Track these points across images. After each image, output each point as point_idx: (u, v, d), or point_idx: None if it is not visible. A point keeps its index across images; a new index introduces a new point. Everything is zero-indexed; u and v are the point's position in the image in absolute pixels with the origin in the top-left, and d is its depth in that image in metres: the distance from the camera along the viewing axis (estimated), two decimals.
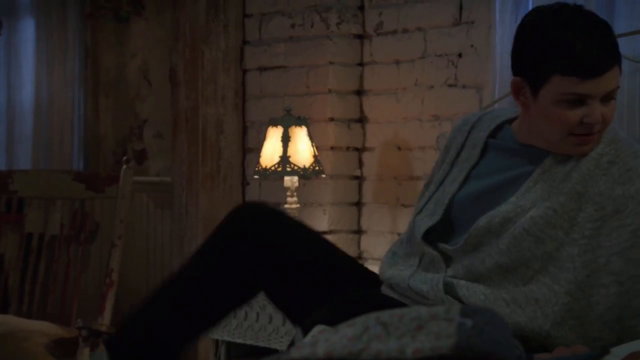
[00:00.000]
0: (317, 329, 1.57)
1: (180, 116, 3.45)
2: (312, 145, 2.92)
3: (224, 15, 3.40)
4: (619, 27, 2.37)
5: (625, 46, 2.31)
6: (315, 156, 2.92)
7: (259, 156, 3.00)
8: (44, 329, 2.78)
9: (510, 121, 1.83)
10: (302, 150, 2.89)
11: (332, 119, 3.13)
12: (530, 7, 2.54)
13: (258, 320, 2.76)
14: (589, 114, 1.67)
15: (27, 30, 4.10)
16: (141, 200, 3.90)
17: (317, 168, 2.92)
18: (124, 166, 3.42)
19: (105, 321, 3.08)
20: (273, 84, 3.30)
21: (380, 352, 1.11)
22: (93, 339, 3.04)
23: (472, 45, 2.82)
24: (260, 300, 2.77)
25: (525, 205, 1.72)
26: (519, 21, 2.53)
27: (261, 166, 2.92)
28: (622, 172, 1.72)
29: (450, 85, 2.90)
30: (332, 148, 3.12)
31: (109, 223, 3.65)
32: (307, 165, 2.89)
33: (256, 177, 3.03)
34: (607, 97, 1.69)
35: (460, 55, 2.86)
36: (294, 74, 3.23)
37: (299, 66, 3.22)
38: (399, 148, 3.04)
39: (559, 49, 1.67)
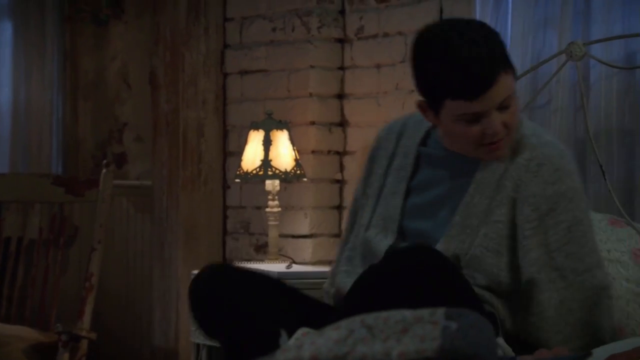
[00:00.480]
0: (301, 331, 1.57)
1: (161, 119, 3.44)
2: (294, 149, 2.93)
3: (204, 19, 3.40)
4: (595, 33, 2.40)
5: (601, 51, 2.35)
6: (296, 160, 2.93)
7: (240, 160, 3.00)
8: (22, 334, 2.77)
9: (434, 125, 1.89)
10: (284, 153, 2.89)
11: (313, 123, 3.14)
12: (509, 12, 2.57)
13: None
14: (488, 127, 1.75)
15: (5, 33, 4.07)
16: (120, 204, 3.89)
17: (298, 172, 2.92)
18: (104, 170, 3.41)
19: (85, 325, 3.07)
20: (254, 88, 3.30)
21: (366, 355, 1.12)
22: (73, 343, 3.03)
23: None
24: None
25: (472, 223, 1.80)
26: (499, 21, 2.59)
27: (242, 170, 2.92)
28: (551, 173, 1.81)
29: None
30: (313, 152, 3.12)
31: (88, 227, 3.64)
32: (288, 169, 2.89)
33: (237, 180, 3.03)
34: (505, 104, 1.75)
35: None
36: (274, 77, 3.24)
37: (279, 70, 3.22)
38: None
39: (441, 77, 1.75)
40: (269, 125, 2.91)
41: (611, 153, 2.36)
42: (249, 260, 3.34)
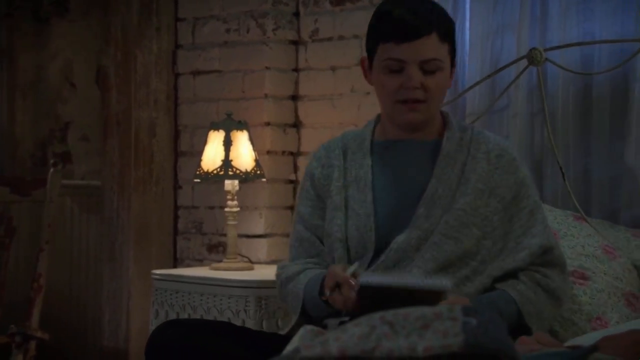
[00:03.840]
0: (305, 329, 1.61)
1: (111, 119, 3.42)
2: (253, 150, 2.96)
3: (156, 19, 3.39)
4: (551, 39, 2.50)
5: (557, 57, 2.46)
6: (256, 160, 2.96)
7: (192, 160, 3.00)
8: None
9: (372, 133, 1.99)
10: (244, 154, 2.92)
11: (268, 124, 3.17)
12: (468, 18, 2.65)
13: None
14: (407, 79, 1.85)
15: None
16: (64, 204, 3.84)
17: (258, 172, 2.95)
18: (52, 169, 3.36)
19: (33, 325, 3.03)
20: (207, 88, 3.31)
21: (392, 350, 1.17)
22: (26, 344, 2.99)
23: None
24: (204, 303, 2.79)
25: (437, 213, 1.87)
26: (457, 27, 2.67)
27: (202, 170, 2.94)
28: (509, 162, 1.93)
29: None
30: (268, 152, 3.16)
31: (32, 227, 3.58)
32: (248, 169, 2.92)
33: (197, 180, 3.04)
34: (429, 68, 1.86)
35: None
36: (229, 78, 3.26)
37: (234, 71, 3.24)
38: None
39: (380, 19, 1.89)
40: (229, 125, 2.93)
41: (568, 154, 2.47)
42: (201, 260, 3.35)
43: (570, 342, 1.72)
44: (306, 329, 1.64)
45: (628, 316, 2.17)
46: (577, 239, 2.25)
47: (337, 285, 1.77)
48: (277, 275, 2.05)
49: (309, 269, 1.98)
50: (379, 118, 2.04)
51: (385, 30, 1.86)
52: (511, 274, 1.91)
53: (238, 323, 2.65)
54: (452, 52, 1.90)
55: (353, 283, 1.74)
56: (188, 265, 3.34)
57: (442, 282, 1.68)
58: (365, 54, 1.96)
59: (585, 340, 1.64)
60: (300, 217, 2.04)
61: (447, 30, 1.88)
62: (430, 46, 1.84)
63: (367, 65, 1.95)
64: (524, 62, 2.47)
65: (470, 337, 1.15)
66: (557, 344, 1.56)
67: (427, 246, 1.86)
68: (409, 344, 1.17)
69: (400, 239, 1.87)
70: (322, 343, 1.21)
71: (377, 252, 1.90)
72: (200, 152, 3.08)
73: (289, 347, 1.61)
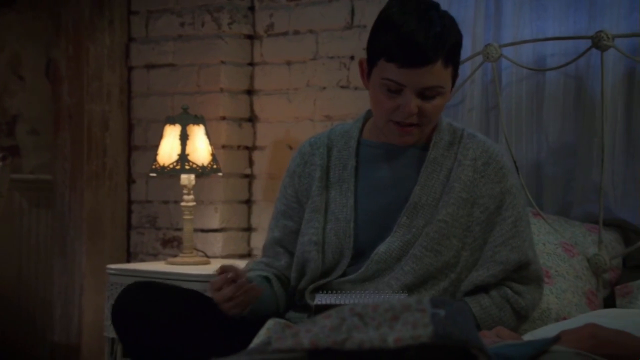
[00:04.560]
0: (272, 321, 1.62)
1: (63, 113, 3.37)
2: (210, 144, 2.95)
3: (109, 12, 3.36)
4: (505, 37, 2.55)
5: (511, 54, 2.50)
6: (212, 154, 2.95)
7: (146, 154, 2.99)
8: None
9: (360, 131, 1.92)
10: (200, 148, 2.91)
11: (223, 118, 3.17)
12: None
13: None
14: (403, 104, 1.78)
15: None
16: (13, 199, 3.77)
17: (214, 166, 2.95)
18: (0, 163, 3.31)
19: None
20: (161, 82, 3.30)
21: (363, 341, 1.18)
22: None
23: (364, 49, 2.93)
24: None
25: (419, 224, 1.83)
26: None
27: (158, 164, 2.92)
28: (496, 171, 1.86)
29: (342, 87, 3.00)
30: (223, 146, 3.15)
31: None
32: (205, 164, 2.91)
33: (153, 175, 3.02)
34: (429, 94, 1.78)
35: (352, 57, 2.97)
36: (184, 72, 3.24)
37: (188, 65, 3.23)
38: (290, 147, 3.12)
39: (387, 34, 1.78)
40: (185, 119, 2.92)
41: (521, 149, 2.52)
42: (155, 254, 3.33)
43: (528, 335, 1.75)
44: (273, 322, 1.64)
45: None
46: (537, 236, 2.27)
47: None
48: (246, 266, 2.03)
49: (256, 269, 1.95)
50: (368, 114, 1.96)
51: (390, 48, 1.76)
52: (482, 286, 1.86)
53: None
54: (455, 72, 1.83)
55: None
56: (142, 260, 3.33)
57: (399, 297, 1.67)
58: (364, 57, 1.88)
59: (542, 333, 1.68)
60: (275, 214, 1.99)
61: (453, 53, 1.79)
62: (433, 74, 1.76)
63: (366, 70, 1.86)
64: (480, 59, 2.51)
65: (439, 327, 1.17)
66: (516, 337, 1.59)
67: (407, 258, 1.82)
68: (379, 335, 1.19)
69: (381, 250, 1.83)
70: (293, 335, 1.22)
71: (353, 258, 1.86)
72: (154, 146, 3.06)
73: (256, 340, 1.62)
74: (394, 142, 1.86)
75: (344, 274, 1.85)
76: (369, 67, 1.83)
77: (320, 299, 1.70)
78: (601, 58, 2.35)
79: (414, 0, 1.80)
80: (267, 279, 1.91)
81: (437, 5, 1.83)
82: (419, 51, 1.74)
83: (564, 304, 2.16)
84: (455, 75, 1.83)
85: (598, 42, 2.34)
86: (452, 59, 1.79)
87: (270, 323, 1.63)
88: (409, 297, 1.23)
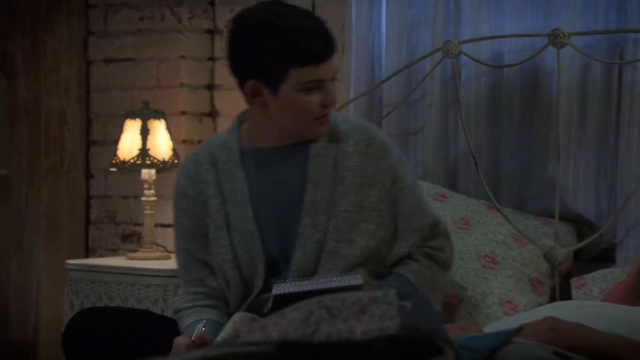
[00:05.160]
0: (238, 315, 1.63)
1: (19, 107, 3.33)
2: (171, 139, 2.95)
3: (66, 5, 3.33)
4: (464, 34, 2.59)
5: (470, 50, 2.54)
6: (173, 149, 2.95)
7: (105, 148, 2.97)
8: None
9: (238, 139, 1.91)
10: (161, 143, 2.91)
11: (184, 113, 3.16)
12: (384, 11, 2.71)
13: None
14: (327, 96, 1.84)
15: None
16: None
17: (175, 161, 2.94)
18: None
19: None
20: (121, 77, 3.28)
21: (332, 333, 1.20)
22: None
23: None
24: (122, 293, 2.77)
25: (322, 220, 1.86)
26: (374, 21, 2.72)
27: (119, 159, 2.91)
28: (379, 148, 1.92)
29: None
30: (184, 141, 3.15)
31: None
32: (166, 158, 2.91)
33: (113, 169, 3.01)
34: (333, 79, 1.87)
35: None
36: (143, 67, 3.23)
37: (148, 59, 3.22)
38: None
39: (288, 46, 1.79)
40: (146, 114, 2.92)
41: (480, 145, 2.56)
42: (114, 250, 3.32)
43: (489, 327, 1.79)
44: (240, 315, 1.66)
45: (534, 300, 2.27)
46: (488, 226, 2.34)
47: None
48: (173, 303, 2.00)
49: (191, 307, 1.90)
50: (240, 120, 1.96)
51: (300, 55, 1.79)
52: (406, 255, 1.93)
53: (157, 312, 2.64)
54: None
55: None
56: (101, 255, 3.31)
57: (353, 278, 1.70)
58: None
59: (502, 325, 1.72)
60: (181, 238, 1.95)
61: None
62: (334, 60, 1.86)
63: (264, 89, 1.83)
64: (439, 55, 2.55)
65: (406, 320, 1.19)
66: (478, 330, 1.63)
67: (324, 256, 1.85)
68: (347, 328, 1.21)
69: (297, 257, 1.85)
70: (262, 328, 1.23)
71: (269, 267, 1.86)
72: (113, 141, 3.05)
73: (222, 334, 1.63)
74: (315, 136, 1.88)
75: (268, 288, 1.84)
76: (271, 85, 1.82)
77: (279, 288, 1.71)
78: (557, 55, 2.40)
79: (274, 5, 1.84)
80: (218, 323, 1.86)
81: (286, 3, 1.88)
82: (325, 42, 1.82)
83: (508, 289, 2.23)
84: None
85: (554, 40, 2.39)
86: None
87: (236, 317, 1.65)
88: (376, 290, 1.25)
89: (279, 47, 1.79)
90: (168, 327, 1.88)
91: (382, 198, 1.89)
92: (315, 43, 1.81)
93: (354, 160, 1.89)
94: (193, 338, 1.72)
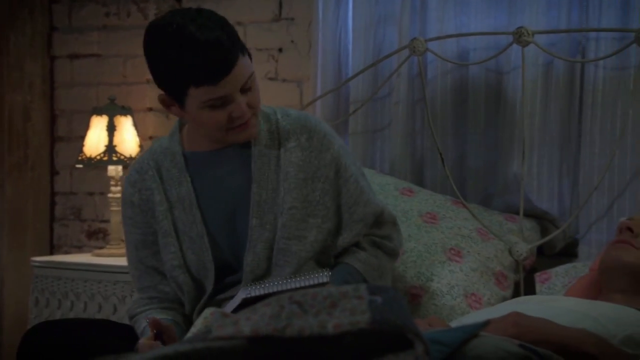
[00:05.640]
0: (209, 310, 1.64)
1: None
2: (138, 135, 2.94)
3: (29, 0, 3.30)
4: (430, 31, 2.61)
5: (435, 48, 2.56)
6: (140, 146, 2.94)
7: (80, 145, 2.95)
8: None
9: (180, 143, 1.89)
10: (128, 139, 2.90)
11: (151, 109, 3.15)
12: (350, 9, 2.72)
13: (85, 310, 2.74)
14: (235, 110, 1.77)
15: None
16: None
17: None
18: None
19: None
20: (86, 73, 3.26)
21: (303, 328, 1.21)
22: None
23: (292, 41, 2.97)
24: (88, 290, 2.76)
25: (269, 219, 1.86)
26: (340, 18, 2.73)
27: (85, 155, 2.89)
28: (321, 140, 1.91)
29: (270, 79, 3.02)
30: (151, 137, 3.14)
31: None
32: (133, 155, 2.90)
33: (79, 166, 2.99)
34: (247, 87, 1.77)
35: (280, 50, 3.00)
36: (109, 63, 3.21)
37: (114, 55, 3.20)
38: None
39: (183, 65, 1.71)
40: (112, 110, 2.90)
41: (446, 141, 2.59)
42: (79, 247, 3.30)
43: (456, 323, 1.81)
44: (210, 311, 1.66)
45: (497, 293, 2.31)
46: (454, 221, 2.37)
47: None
48: (128, 309, 1.99)
49: (146, 310, 1.90)
50: (180, 125, 1.93)
51: (195, 76, 1.71)
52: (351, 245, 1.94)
53: (124, 309, 2.63)
54: (248, 52, 1.79)
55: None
56: (66, 252, 3.28)
57: (320, 276, 1.71)
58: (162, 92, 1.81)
59: (468, 320, 1.74)
60: (132, 246, 1.94)
61: (241, 42, 1.77)
62: (243, 69, 1.74)
63: (173, 104, 1.79)
64: (406, 52, 2.57)
65: (377, 314, 1.20)
66: (446, 325, 1.65)
67: (275, 254, 1.85)
68: (319, 322, 1.22)
69: (249, 258, 1.85)
70: (233, 323, 1.24)
71: (220, 270, 1.86)
72: (79, 137, 3.03)
73: (193, 329, 1.64)
74: (238, 142, 1.85)
75: (224, 288, 1.85)
76: (176, 98, 1.77)
77: (248, 291, 1.72)
78: (522, 53, 2.43)
79: (170, 17, 1.75)
80: (175, 322, 1.86)
81: (190, 10, 1.78)
82: (221, 61, 1.71)
83: (472, 282, 2.27)
84: (249, 55, 1.80)
85: (519, 38, 2.42)
86: (242, 46, 1.76)
87: (207, 312, 1.65)
88: (347, 285, 1.26)
89: (176, 65, 1.72)
90: (130, 335, 1.86)
91: (326, 190, 1.89)
92: (209, 63, 1.70)
93: (297, 155, 1.87)
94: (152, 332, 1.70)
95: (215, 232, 1.87)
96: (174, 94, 1.77)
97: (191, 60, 1.70)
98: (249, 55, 1.80)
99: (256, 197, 1.85)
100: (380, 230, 1.99)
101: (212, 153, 1.88)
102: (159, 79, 1.79)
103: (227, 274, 1.87)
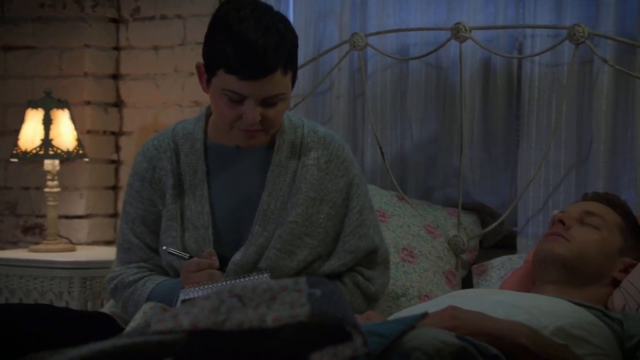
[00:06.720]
0: (147, 305, 1.62)
1: None
2: (75, 129, 2.89)
3: None
4: (371, 27, 2.62)
5: (376, 43, 2.58)
6: (78, 139, 2.89)
7: (15, 139, 2.90)
8: None
9: (203, 131, 1.89)
10: (65, 133, 2.85)
11: (88, 103, 3.11)
12: (291, 3, 2.72)
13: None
14: (246, 113, 1.78)
15: None
16: None
17: (80, 152, 2.89)
18: None
19: None
20: (20, 65, 3.19)
21: (242, 321, 1.21)
22: None
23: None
24: (24, 286, 2.71)
25: (270, 228, 1.86)
26: (284, 13, 2.72)
27: (20, 149, 2.84)
28: (339, 166, 1.92)
29: None
30: (88, 132, 3.09)
31: None
32: (70, 149, 2.85)
33: (15, 160, 2.93)
34: (271, 102, 1.78)
35: None
36: (45, 55, 3.15)
37: (50, 48, 3.14)
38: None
39: (224, 43, 1.74)
40: (48, 104, 2.85)
41: (386, 136, 2.61)
42: (15, 242, 3.23)
43: (394, 317, 1.83)
44: (149, 306, 1.65)
45: (448, 292, 2.32)
46: (402, 219, 2.38)
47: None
48: (109, 280, 1.94)
49: (147, 276, 1.90)
50: (209, 112, 1.93)
51: (229, 60, 1.73)
52: (335, 274, 1.93)
53: (61, 305, 2.60)
54: (294, 75, 1.81)
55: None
56: (1, 248, 3.22)
57: (259, 276, 1.72)
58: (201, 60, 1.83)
59: (407, 313, 1.76)
60: (129, 219, 1.92)
61: (291, 58, 1.78)
62: (276, 84, 1.75)
63: (203, 75, 1.82)
64: (346, 47, 2.58)
65: (316, 306, 1.21)
66: (383, 319, 1.66)
67: (263, 262, 1.85)
68: (258, 315, 1.22)
69: (237, 258, 1.85)
70: (173, 317, 1.23)
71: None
72: (14, 131, 2.97)
73: (132, 324, 1.62)
74: (240, 144, 1.87)
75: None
76: (208, 74, 1.80)
77: (186, 293, 1.71)
78: (460, 49, 2.46)
79: (249, 3, 1.78)
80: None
81: (271, 8, 1.83)
82: (259, 63, 1.72)
83: (426, 282, 2.27)
84: (294, 78, 1.82)
85: (457, 34, 2.45)
86: (291, 64, 1.78)
87: (146, 307, 1.64)
88: (287, 279, 1.27)
89: (220, 44, 1.75)
90: (72, 320, 1.83)
91: (331, 216, 1.89)
92: (246, 59, 1.72)
93: (313, 174, 1.87)
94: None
95: (220, 226, 1.87)
96: (207, 67, 1.79)
97: (233, 49, 1.72)
98: (294, 76, 1.80)
99: (264, 205, 1.86)
100: (368, 271, 1.96)
101: (235, 149, 1.88)
102: (205, 49, 1.81)
103: (221, 268, 1.85)
